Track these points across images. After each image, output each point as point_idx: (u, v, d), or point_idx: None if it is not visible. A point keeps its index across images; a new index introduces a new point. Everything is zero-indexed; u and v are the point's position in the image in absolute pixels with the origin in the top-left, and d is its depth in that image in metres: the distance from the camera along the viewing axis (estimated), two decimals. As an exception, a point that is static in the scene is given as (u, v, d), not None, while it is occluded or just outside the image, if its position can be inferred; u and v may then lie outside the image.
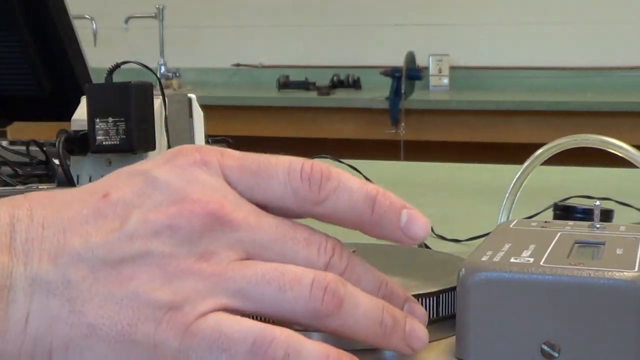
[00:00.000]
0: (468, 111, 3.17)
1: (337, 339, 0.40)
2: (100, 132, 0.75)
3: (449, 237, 0.78)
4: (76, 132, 0.78)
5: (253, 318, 0.38)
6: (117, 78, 0.77)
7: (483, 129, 3.12)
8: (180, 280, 0.37)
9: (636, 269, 0.41)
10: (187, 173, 0.39)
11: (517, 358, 0.42)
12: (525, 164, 0.66)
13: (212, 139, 0.97)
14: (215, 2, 3.90)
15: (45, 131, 1.03)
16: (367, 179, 0.89)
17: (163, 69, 3.57)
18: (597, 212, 0.52)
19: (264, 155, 0.41)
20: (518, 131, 3.05)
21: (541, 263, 0.43)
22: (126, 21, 3.63)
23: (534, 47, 3.53)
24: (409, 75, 3.24)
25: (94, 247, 0.37)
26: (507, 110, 3.10)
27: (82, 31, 1.08)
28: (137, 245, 0.37)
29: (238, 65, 3.84)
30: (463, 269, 0.43)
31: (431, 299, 0.46)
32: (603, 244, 0.47)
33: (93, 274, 0.37)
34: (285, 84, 3.54)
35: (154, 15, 3.58)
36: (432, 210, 0.89)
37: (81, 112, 0.78)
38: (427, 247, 0.67)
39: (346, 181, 0.40)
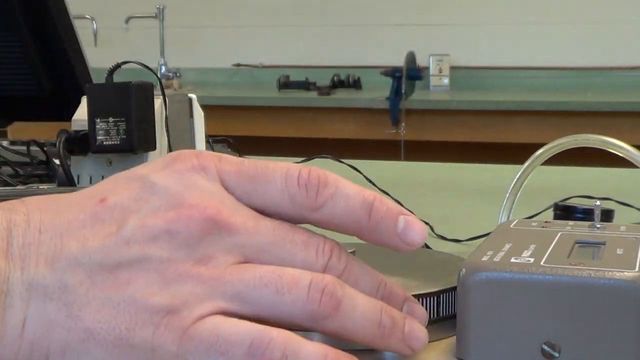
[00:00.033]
0: (468, 111, 3.17)
1: (337, 340, 0.40)
2: (100, 132, 0.75)
3: (449, 237, 0.78)
4: (77, 132, 0.78)
5: (252, 321, 0.38)
6: (117, 78, 0.77)
7: (483, 129, 3.12)
8: (177, 285, 0.37)
9: (636, 269, 0.41)
10: (185, 178, 0.39)
11: (517, 358, 0.42)
12: (526, 164, 0.66)
13: (213, 139, 0.97)
14: (215, 2, 3.90)
15: (45, 131, 1.03)
16: (367, 179, 0.89)
17: (163, 69, 3.57)
18: (597, 212, 0.52)
19: (262, 161, 0.41)
20: (518, 131, 3.05)
21: (541, 263, 0.43)
22: (126, 21, 3.63)
23: (534, 47, 3.53)
24: (409, 75, 3.24)
25: (91, 251, 0.37)
26: (508, 110, 3.10)
27: (83, 31, 1.08)
28: (135, 250, 0.37)
29: (238, 65, 3.84)
30: (463, 269, 0.43)
31: (431, 299, 0.46)
32: (603, 244, 0.47)
33: (90, 278, 0.37)
34: (285, 84, 3.54)
35: (154, 15, 3.58)
36: (433, 210, 0.89)
37: (82, 112, 0.78)
38: (427, 247, 0.67)
39: (343, 187, 0.40)
